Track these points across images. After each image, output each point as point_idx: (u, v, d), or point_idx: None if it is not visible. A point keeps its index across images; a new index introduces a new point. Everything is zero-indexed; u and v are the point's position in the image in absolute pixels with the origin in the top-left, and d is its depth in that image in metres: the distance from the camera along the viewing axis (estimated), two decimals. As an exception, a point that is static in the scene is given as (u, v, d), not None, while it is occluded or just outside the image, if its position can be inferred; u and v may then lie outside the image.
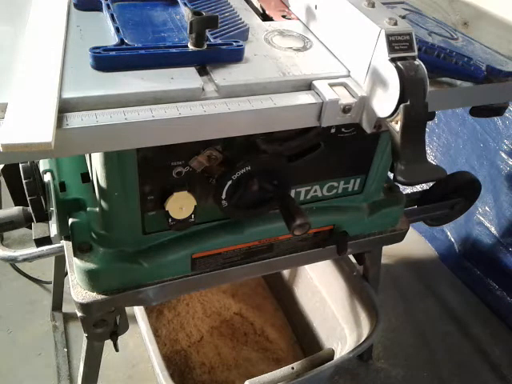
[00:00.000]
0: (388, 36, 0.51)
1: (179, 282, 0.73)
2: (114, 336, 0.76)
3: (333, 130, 0.68)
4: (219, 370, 1.16)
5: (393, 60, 0.50)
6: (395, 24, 0.52)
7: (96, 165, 0.62)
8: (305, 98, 0.54)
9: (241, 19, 0.62)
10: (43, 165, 0.74)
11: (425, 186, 1.01)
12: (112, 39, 0.56)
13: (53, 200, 0.67)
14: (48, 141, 0.42)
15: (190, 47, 0.54)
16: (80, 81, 0.49)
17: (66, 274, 1.16)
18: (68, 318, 1.28)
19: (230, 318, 1.27)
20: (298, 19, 0.68)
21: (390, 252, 1.48)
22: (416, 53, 0.52)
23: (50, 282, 1.30)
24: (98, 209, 0.68)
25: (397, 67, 0.50)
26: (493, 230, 1.43)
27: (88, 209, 0.71)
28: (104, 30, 0.59)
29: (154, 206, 0.65)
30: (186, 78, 0.52)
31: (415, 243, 1.63)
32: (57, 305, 1.29)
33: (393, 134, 0.52)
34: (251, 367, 1.17)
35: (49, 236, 0.72)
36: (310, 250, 0.82)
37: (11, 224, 0.73)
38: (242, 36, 0.60)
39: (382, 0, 0.57)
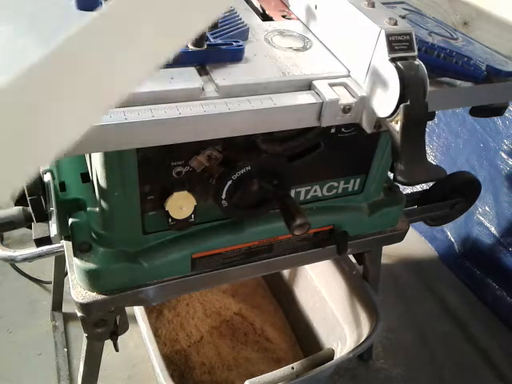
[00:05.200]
0: (388, 36, 0.51)
1: (179, 282, 0.73)
2: (114, 336, 0.76)
3: (333, 130, 0.68)
4: (219, 370, 1.16)
5: (393, 60, 0.50)
6: (395, 24, 0.52)
7: (96, 165, 0.62)
8: (305, 98, 0.54)
9: (241, 19, 0.62)
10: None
11: (425, 186, 1.01)
12: (112, 39, 0.56)
13: (53, 200, 0.67)
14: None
15: (190, 47, 0.54)
16: (80, 81, 0.49)
17: (66, 273, 1.16)
18: (68, 318, 1.28)
19: (230, 318, 1.27)
20: (298, 19, 0.68)
21: (390, 252, 1.48)
22: (416, 53, 0.52)
23: (49, 282, 1.30)
24: (97, 209, 0.68)
25: (397, 67, 0.50)
26: (493, 229, 1.43)
27: (88, 209, 0.71)
28: (104, 30, 0.58)
29: (153, 206, 0.65)
30: (186, 78, 0.52)
31: (415, 243, 1.63)
32: (57, 305, 1.29)
33: (393, 133, 0.52)
34: (251, 367, 1.17)
35: (49, 236, 0.72)
36: (310, 250, 0.82)
37: (11, 224, 0.73)
38: (242, 36, 0.60)
39: (382, 0, 0.57)
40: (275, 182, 0.67)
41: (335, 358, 0.93)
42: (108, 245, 0.68)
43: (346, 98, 0.54)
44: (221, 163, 0.64)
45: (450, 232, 1.57)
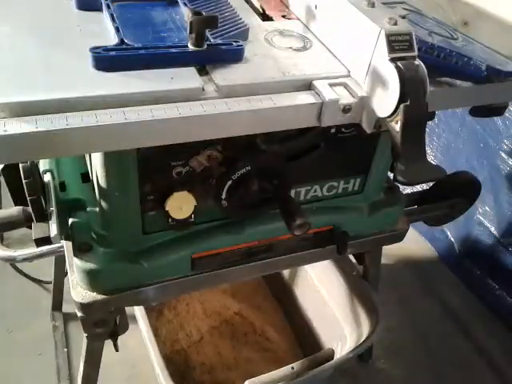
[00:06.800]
0: (388, 36, 0.51)
1: (179, 282, 0.73)
2: (113, 336, 0.76)
3: (333, 130, 0.68)
4: (219, 370, 1.16)
5: (393, 60, 0.50)
6: (395, 24, 0.52)
7: (96, 165, 0.62)
8: (305, 97, 0.54)
9: (241, 19, 0.62)
10: (43, 165, 0.74)
11: (425, 186, 1.01)
12: (112, 39, 0.56)
13: (53, 200, 0.67)
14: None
15: (190, 47, 0.54)
16: (80, 81, 0.49)
17: (66, 273, 1.16)
18: (68, 317, 1.28)
19: (230, 318, 1.27)
20: (298, 19, 0.68)
21: (390, 252, 1.48)
22: (416, 53, 0.52)
23: (50, 282, 1.30)
24: (97, 209, 0.68)
25: (397, 67, 0.50)
26: (493, 230, 1.43)
27: (88, 209, 0.71)
28: (104, 30, 0.59)
29: (153, 206, 0.65)
30: (186, 78, 0.52)
31: (415, 243, 1.63)
32: (57, 305, 1.29)
33: (393, 134, 0.52)
34: (251, 367, 1.17)
35: (49, 236, 0.72)
36: (310, 250, 0.82)
37: (11, 224, 0.73)
38: (241, 36, 0.60)
39: (382, 0, 0.57)
40: (275, 182, 0.67)
41: (335, 358, 0.94)
42: (108, 245, 0.68)
43: (346, 98, 0.54)
44: (221, 163, 0.64)
45: (449, 232, 1.57)
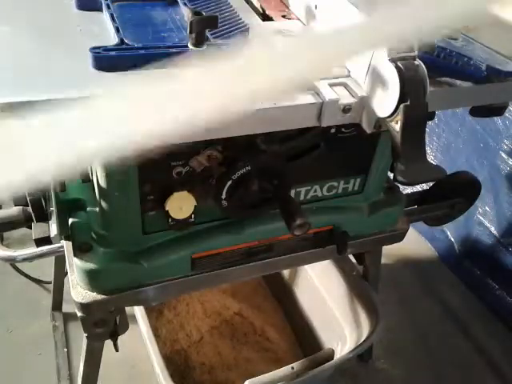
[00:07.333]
0: (388, 36, 0.51)
1: (179, 282, 0.73)
2: (113, 336, 0.76)
3: (333, 130, 0.68)
4: (219, 370, 1.16)
5: (393, 60, 0.50)
6: (395, 24, 0.52)
7: (96, 165, 0.62)
8: (305, 98, 0.54)
9: (241, 19, 0.62)
10: (43, 165, 0.74)
11: (425, 186, 1.01)
12: (112, 39, 0.56)
13: (53, 200, 0.67)
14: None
15: (190, 47, 0.54)
16: (80, 81, 0.49)
17: (66, 273, 1.16)
18: (68, 317, 1.28)
19: (230, 318, 1.27)
20: (298, 19, 0.69)
21: (390, 252, 1.48)
22: (416, 53, 0.52)
23: (50, 282, 1.30)
24: (97, 209, 0.68)
25: (397, 67, 0.50)
26: (493, 230, 1.43)
27: (88, 209, 0.71)
28: (104, 30, 0.59)
29: (153, 206, 0.65)
30: (185, 77, 0.52)
31: (415, 243, 1.63)
32: (57, 305, 1.29)
33: (393, 134, 0.52)
34: (251, 367, 1.17)
35: (49, 236, 0.72)
36: (310, 250, 0.82)
37: (11, 224, 0.73)
38: (241, 36, 0.60)
39: (382, 0, 0.57)
40: (275, 182, 0.67)
41: (335, 358, 0.94)
42: (108, 245, 0.68)
43: (346, 98, 0.54)
44: (221, 163, 0.64)
45: (449, 232, 1.57)
